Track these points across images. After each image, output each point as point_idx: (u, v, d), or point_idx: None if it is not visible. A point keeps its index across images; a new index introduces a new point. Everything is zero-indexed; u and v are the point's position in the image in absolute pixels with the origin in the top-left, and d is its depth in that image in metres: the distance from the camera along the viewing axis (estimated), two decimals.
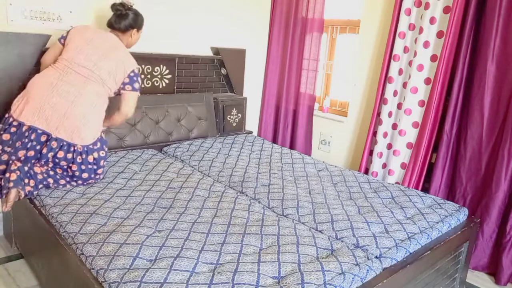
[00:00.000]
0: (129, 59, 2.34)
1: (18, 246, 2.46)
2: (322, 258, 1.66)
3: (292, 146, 3.86)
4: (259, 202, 2.22)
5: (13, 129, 2.06)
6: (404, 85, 2.99)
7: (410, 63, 2.92)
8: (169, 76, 3.17)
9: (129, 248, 1.60)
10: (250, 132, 3.72)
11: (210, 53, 3.46)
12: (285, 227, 1.87)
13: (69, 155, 2.13)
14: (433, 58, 2.81)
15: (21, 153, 2.05)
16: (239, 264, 1.55)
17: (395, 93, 3.04)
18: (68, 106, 2.09)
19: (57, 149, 2.09)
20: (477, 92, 2.63)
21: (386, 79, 3.06)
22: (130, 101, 2.35)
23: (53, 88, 2.09)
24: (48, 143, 2.07)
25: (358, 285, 1.54)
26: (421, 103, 2.89)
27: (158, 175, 2.41)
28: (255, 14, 3.74)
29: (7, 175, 1.96)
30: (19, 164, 2.00)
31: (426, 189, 2.89)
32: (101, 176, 2.27)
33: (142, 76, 3.00)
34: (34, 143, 2.06)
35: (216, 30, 3.45)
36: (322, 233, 1.89)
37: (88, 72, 2.19)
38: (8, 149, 2.06)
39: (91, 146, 2.18)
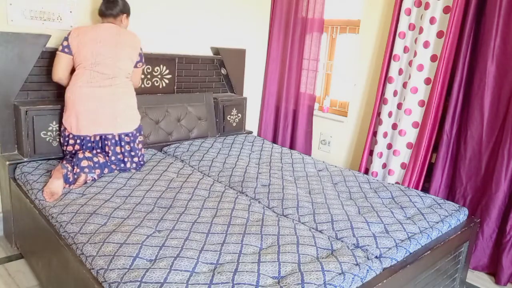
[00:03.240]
0: (134, 38, 2.51)
1: (18, 246, 2.46)
2: (322, 258, 1.66)
3: (292, 146, 3.86)
4: (259, 202, 2.22)
5: (71, 141, 2.39)
6: (404, 85, 2.99)
7: (410, 63, 2.92)
8: (169, 76, 3.17)
9: (129, 248, 1.60)
10: (250, 132, 3.72)
11: (210, 53, 3.46)
12: (285, 227, 1.87)
13: (127, 147, 2.45)
14: (433, 58, 2.81)
15: (87, 152, 2.33)
16: (239, 264, 1.55)
17: (395, 93, 3.04)
18: (112, 106, 2.38)
19: (118, 142, 2.42)
20: (477, 92, 2.63)
21: (386, 79, 3.06)
22: (139, 75, 2.67)
23: (91, 97, 2.33)
24: (110, 140, 2.40)
25: (358, 285, 1.54)
26: (421, 103, 2.89)
27: (158, 175, 2.41)
28: (255, 14, 3.74)
29: (79, 162, 2.23)
30: (88, 154, 2.30)
31: (426, 189, 2.89)
32: (144, 159, 2.60)
33: (142, 76, 3.01)
34: (98, 144, 2.41)
35: (216, 30, 3.44)
36: (322, 233, 1.89)
37: (111, 69, 2.38)
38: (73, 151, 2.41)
39: (136, 133, 2.49)
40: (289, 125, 3.87)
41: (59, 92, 2.64)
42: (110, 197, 2.07)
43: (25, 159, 2.43)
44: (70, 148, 2.41)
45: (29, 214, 2.14)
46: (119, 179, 2.32)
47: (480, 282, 2.63)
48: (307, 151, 3.79)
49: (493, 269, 2.67)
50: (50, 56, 2.53)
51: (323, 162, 2.99)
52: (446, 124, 2.76)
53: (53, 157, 2.50)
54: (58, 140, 2.49)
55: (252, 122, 4.01)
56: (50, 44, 2.50)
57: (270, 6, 3.83)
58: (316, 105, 3.83)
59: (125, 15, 2.49)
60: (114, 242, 1.64)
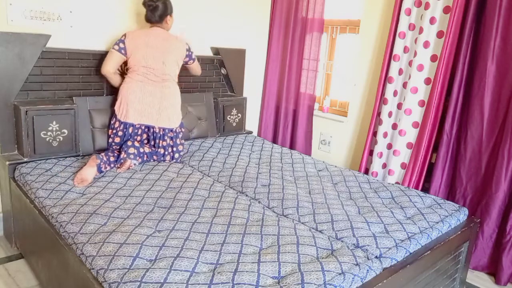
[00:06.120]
0: (180, 44, 2.74)
1: (18, 246, 2.46)
2: (322, 258, 1.66)
3: (292, 146, 3.86)
4: (259, 202, 2.22)
5: (120, 133, 2.61)
6: (404, 85, 2.99)
7: (410, 63, 2.92)
8: None
9: (129, 248, 1.60)
10: (250, 132, 3.72)
11: (210, 53, 3.46)
12: (285, 227, 1.87)
13: (169, 141, 2.69)
14: (433, 58, 2.81)
15: (136, 142, 2.57)
16: (239, 264, 1.55)
17: (395, 93, 3.04)
18: (158, 102, 2.63)
19: (160, 134, 2.66)
20: (477, 92, 2.63)
21: (386, 79, 3.06)
22: (197, 68, 3.03)
23: (143, 91, 2.59)
24: (153, 133, 2.65)
25: (358, 285, 1.54)
26: (421, 103, 2.89)
27: (158, 175, 2.41)
28: (255, 14, 3.74)
29: (127, 149, 2.49)
30: (137, 144, 2.55)
31: (426, 189, 2.89)
32: (183, 154, 2.82)
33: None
34: (142, 135, 2.65)
35: (216, 30, 3.44)
36: (322, 233, 1.89)
37: (160, 71, 2.63)
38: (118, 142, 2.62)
39: (178, 129, 2.75)
40: (289, 125, 3.87)
41: (60, 92, 2.65)
42: (110, 197, 2.07)
43: (25, 159, 2.42)
44: (118, 139, 2.61)
45: (29, 214, 2.14)
46: (119, 179, 2.32)
47: (480, 282, 2.63)
48: (307, 151, 3.79)
49: (493, 269, 2.67)
50: (50, 56, 2.54)
51: (323, 162, 2.99)
52: (446, 124, 2.76)
53: (53, 157, 2.50)
54: (58, 140, 2.50)
55: (252, 122, 4.01)
56: (50, 44, 2.50)
57: (270, 6, 3.83)
58: (316, 105, 3.83)
59: (168, 16, 2.68)
60: (114, 242, 1.64)
